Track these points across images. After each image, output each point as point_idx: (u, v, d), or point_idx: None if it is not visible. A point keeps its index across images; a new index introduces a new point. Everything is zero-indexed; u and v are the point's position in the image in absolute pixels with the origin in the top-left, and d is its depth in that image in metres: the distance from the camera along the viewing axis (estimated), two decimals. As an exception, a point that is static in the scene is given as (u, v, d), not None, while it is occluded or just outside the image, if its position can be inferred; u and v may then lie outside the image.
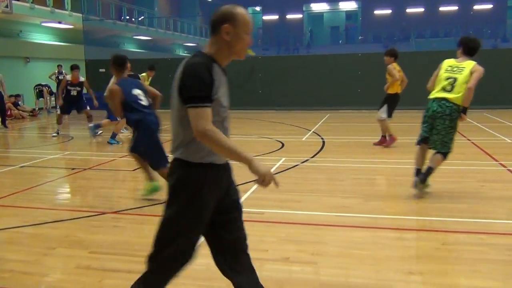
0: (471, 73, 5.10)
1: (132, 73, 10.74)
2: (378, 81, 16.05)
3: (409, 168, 6.98)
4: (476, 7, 36.37)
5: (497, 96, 14.76)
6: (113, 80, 9.47)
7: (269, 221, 4.57)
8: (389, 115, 8.74)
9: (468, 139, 9.32)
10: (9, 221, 4.81)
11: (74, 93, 11.03)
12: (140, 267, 3.56)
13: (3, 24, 18.10)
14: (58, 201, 5.74)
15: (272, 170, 6.76)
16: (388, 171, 6.90)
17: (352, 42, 38.19)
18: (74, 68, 11.08)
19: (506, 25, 35.66)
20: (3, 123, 13.48)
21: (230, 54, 2.32)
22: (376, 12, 39.48)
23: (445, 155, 5.25)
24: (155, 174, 5.42)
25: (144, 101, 5.34)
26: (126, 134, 10.71)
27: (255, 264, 2.58)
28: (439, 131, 5.19)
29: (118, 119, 9.66)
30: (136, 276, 3.38)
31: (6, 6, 15.74)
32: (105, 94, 9.60)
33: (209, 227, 2.43)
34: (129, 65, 9.76)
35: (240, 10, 2.28)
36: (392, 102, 8.71)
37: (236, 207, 2.49)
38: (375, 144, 9.01)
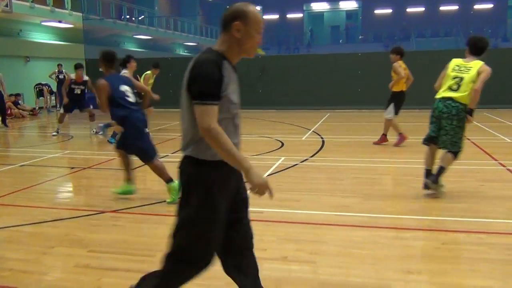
0: (478, 73, 5.06)
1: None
2: (378, 81, 16.06)
3: (409, 168, 7.01)
4: (476, 6, 36.37)
5: (497, 96, 14.74)
6: (125, 73, 9.51)
7: (268, 220, 4.57)
8: (396, 112, 8.70)
9: (468, 139, 9.30)
10: (9, 219, 4.82)
11: (78, 91, 11.04)
12: (139, 266, 3.59)
13: (3, 23, 18.10)
14: (57, 200, 5.74)
15: (271, 169, 6.78)
16: (388, 170, 6.89)
17: (352, 42, 38.19)
18: (78, 67, 11.08)
19: (507, 25, 35.65)
20: (3, 122, 13.49)
21: (240, 52, 2.32)
22: (377, 11, 39.48)
23: (455, 154, 5.22)
24: (157, 175, 5.41)
25: (131, 98, 5.35)
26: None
27: (254, 263, 2.58)
28: (448, 131, 5.17)
29: None
30: (135, 275, 3.39)
31: (6, 5, 15.73)
32: None
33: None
34: (134, 63, 9.83)
35: (252, 8, 2.28)
36: (398, 100, 8.69)
37: (245, 205, 2.49)
38: (375, 143, 9.00)
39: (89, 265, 3.62)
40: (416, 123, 10.34)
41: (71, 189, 6.50)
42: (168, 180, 5.29)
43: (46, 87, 18.77)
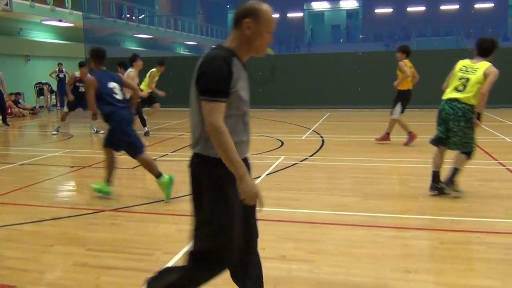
0: (485, 75, 5.02)
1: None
2: (378, 80, 16.07)
3: (409, 167, 7.01)
4: (477, 5, 36.34)
5: (498, 95, 14.71)
6: (128, 72, 9.52)
7: (267, 219, 4.57)
8: (402, 111, 8.69)
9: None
10: (8, 218, 4.83)
11: (82, 89, 11.03)
12: (137, 264, 3.59)
13: (3, 22, 18.10)
14: (57, 199, 5.75)
15: (271, 168, 6.78)
16: (387, 169, 6.89)
17: (353, 41, 38.19)
18: (82, 65, 11.08)
19: (507, 24, 35.62)
20: (4, 121, 13.51)
21: (249, 49, 2.31)
22: (377, 10, 39.47)
23: (468, 154, 5.20)
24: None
25: (119, 95, 5.38)
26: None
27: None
28: (456, 132, 5.15)
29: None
30: (134, 274, 3.41)
31: (6, 4, 15.73)
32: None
33: None
34: (140, 62, 9.81)
35: (264, 7, 2.27)
36: (405, 99, 8.67)
37: (253, 205, 2.44)
38: (378, 139, 8.98)
39: (88, 264, 3.62)
40: (416, 122, 10.33)
41: (70, 188, 6.51)
42: (158, 175, 5.31)
43: (47, 86, 18.78)
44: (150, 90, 11.12)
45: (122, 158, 8.05)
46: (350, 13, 42.63)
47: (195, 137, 2.31)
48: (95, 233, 4.38)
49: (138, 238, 4.21)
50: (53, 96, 19.42)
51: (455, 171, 5.21)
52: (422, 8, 38.23)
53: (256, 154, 7.96)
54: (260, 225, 4.33)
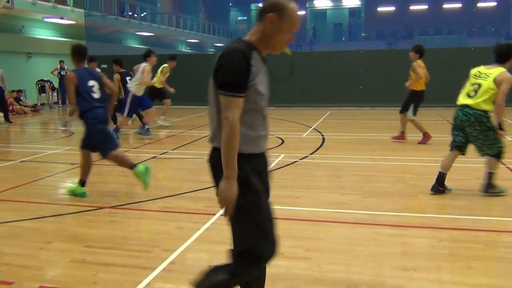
0: (497, 82, 4.93)
1: (124, 70, 10.76)
2: (380, 78, 16.07)
3: (409, 165, 7.00)
4: (480, 4, 36.21)
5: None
6: (142, 67, 9.54)
7: (266, 217, 4.57)
8: (415, 112, 8.64)
9: (469, 137, 9.31)
10: (7, 215, 4.83)
11: None
12: (135, 261, 3.59)
13: (5, 19, 18.12)
14: (56, 196, 5.75)
15: (271, 166, 6.79)
16: (387, 168, 6.88)
17: (355, 39, 38.13)
18: (92, 59, 11.07)
19: (510, 23, 35.49)
20: (6, 118, 13.53)
21: (268, 45, 2.28)
22: (380, 9, 39.38)
23: (497, 156, 5.16)
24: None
25: (96, 94, 5.40)
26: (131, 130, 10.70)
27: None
28: (476, 137, 5.13)
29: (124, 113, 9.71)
30: (131, 270, 3.42)
31: (7, 1, 15.75)
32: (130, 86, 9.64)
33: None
34: (154, 58, 9.84)
35: (291, 5, 2.24)
36: (418, 100, 8.62)
37: (268, 195, 2.45)
38: (395, 138, 8.94)
39: (86, 260, 3.63)
40: (419, 120, 10.29)
41: (70, 185, 6.50)
42: (132, 166, 5.36)
43: (48, 83, 18.81)
44: (161, 86, 11.16)
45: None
46: (353, 11, 42.54)
47: (213, 131, 2.28)
48: (94, 230, 4.38)
49: (136, 235, 4.21)
50: (55, 94, 19.45)
51: (490, 175, 5.20)
52: (425, 7, 38.12)
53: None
54: (259, 223, 4.33)
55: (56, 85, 18.75)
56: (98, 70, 11.06)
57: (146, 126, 10.11)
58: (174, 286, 3.23)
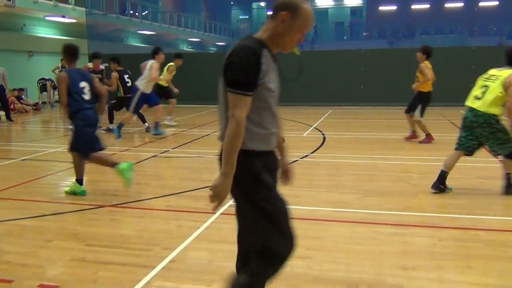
0: (505, 85, 4.88)
1: (122, 68, 10.73)
2: (381, 78, 16.05)
3: (409, 165, 7.00)
4: (481, 3, 36.16)
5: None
6: (150, 64, 9.53)
7: (266, 216, 4.57)
8: (422, 113, 8.60)
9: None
10: (8, 213, 4.84)
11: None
12: (135, 260, 3.60)
13: (7, 17, 18.14)
14: (57, 194, 5.76)
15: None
16: (388, 167, 6.88)
17: (356, 38, 38.09)
18: (96, 56, 11.08)
19: (512, 22, 35.45)
20: (8, 116, 13.55)
21: (278, 43, 2.27)
22: (381, 8, 39.33)
23: (510, 156, 5.13)
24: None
25: (87, 95, 5.41)
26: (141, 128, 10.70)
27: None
28: (487, 137, 5.11)
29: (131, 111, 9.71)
30: (131, 269, 3.43)
31: (9, 0, 15.76)
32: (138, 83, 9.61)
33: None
34: (162, 55, 9.83)
35: (306, 6, 2.22)
36: (425, 101, 8.58)
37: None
38: (408, 139, 8.90)
39: (86, 259, 3.63)
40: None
41: (71, 183, 6.51)
42: (113, 164, 5.37)
43: (50, 82, 18.80)
44: (166, 85, 11.15)
45: (123, 154, 8.09)
46: (354, 10, 42.52)
47: (223, 129, 2.27)
48: (94, 228, 4.39)
49: (136, 233, 4.22)
50: (56, 92, 19.44)
51: (508, 176, 5.21)
52: (426, 6, 38.08)
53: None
54: (259, 222, 4.34)
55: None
56: (102, 67, 11.09)
57: (159, 123, 10.10)
58: (173, 284, 3.23)
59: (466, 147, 5.26)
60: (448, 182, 5.37)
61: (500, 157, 5.23)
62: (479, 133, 5.11)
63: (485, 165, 6.63)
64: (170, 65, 11.16)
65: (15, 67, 17.37)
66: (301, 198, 5.28)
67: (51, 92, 19.01)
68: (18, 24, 19.31)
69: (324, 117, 13.42)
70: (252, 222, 2.30)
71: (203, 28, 37.89)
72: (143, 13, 30.02)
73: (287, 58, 2.58)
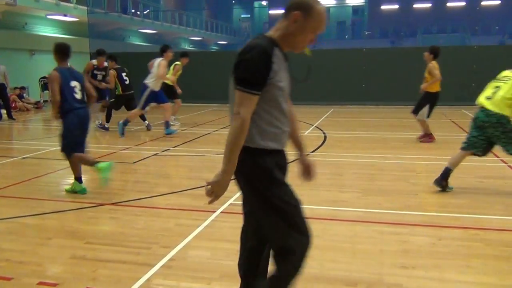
0: None
1: (119, 66, 10.69)
2: (383, 77, 16.03)
3: (409, 164, 6.99)
4: (483, 2, 36.10)
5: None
6: (158, 61, 9.51)
7: (265, 214, 4.57)
8: (429, 114, 8.54)
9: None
10: (8, 211, 4.85)
11: (100, 77, 11.03)
12: (134, 258, 3.61)
13: (8, 16, 18.16)
14: (57, 193, 5.76)
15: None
16: (388, 166, 6.87)
17: (358, 37, 38.07)
18: (100, 53, 11.07)
19: (514, 21, 35.38)
20: (9, 115, 13.57)
21: (289, 43, 2.25)
22: (383, 7, 39.31)
23: None
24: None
25: (78, 95, 5.41)
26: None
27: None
28: (499, 137, 5.07)
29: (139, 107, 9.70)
30: (131, 267, 3.43)
31: (10, -2, 15.79)
32: (148, 81, 9.60)
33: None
34: (171, 53, 9.78)
35: (319, 7, 2.21)
36: (433, 102, 8.51)
37: None
38: (422, 141, 8.79)
39: (85, 257, 3.64)
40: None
41: (71, 181, 6.52)
42: (93, 163, 5.39)
43: (51, 80, 18.83)
44: (172, 84, 11.10)
45: (124, 152, 8.10)
46: (356, 9, 42.49)
47: None
48: (94, 226, 4.40)
49: (136, 231, 4.22)
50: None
51: None
52: (428, 5, 38.05)
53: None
54: (258, 220, 4.33)
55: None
56: (106, 64, 11.06)
57: (169, 122, 10.00)
58: (173, 282, 3.23)
59: (476, 147, 5.21)
60: (449, 181, 5.36)
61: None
62: (491, 133, 5.07)
63: (485, 164, 6.62)
64: (176, 64, 11.09)
65: (16, 66, 17.39)
66: (302, 197, 5.17)
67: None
68: (20, 23, 19.33)
69: (325, 116, 13.41)
70: (268, 220, 2.29)
71: (204, 27, 37.88)
72: (145, 12, 30.04)
73: (296, 58, 2.56)
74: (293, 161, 2.64)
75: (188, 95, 15.88)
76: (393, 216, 4.60)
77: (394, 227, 4.27)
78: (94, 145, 9.34)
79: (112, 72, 10.43)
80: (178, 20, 33.73)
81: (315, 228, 4.24)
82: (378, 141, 8.94)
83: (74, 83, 5.38)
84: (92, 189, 5.62)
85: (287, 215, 2.26)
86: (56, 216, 4.71)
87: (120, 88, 10.43)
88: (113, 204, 5.05)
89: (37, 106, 17.19)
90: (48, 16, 20.24)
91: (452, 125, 10.77)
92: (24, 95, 17.09)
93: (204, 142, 9.10)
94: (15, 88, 16.21)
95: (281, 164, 2.33)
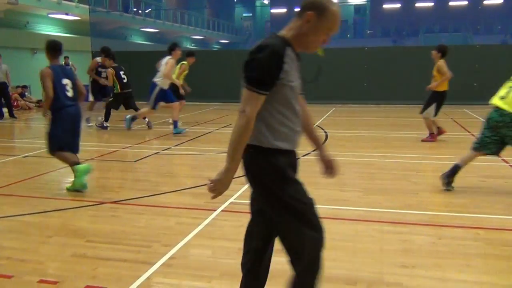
0: None
1: (116, 64, 10.65)
2: (384, 76, 16.02)
3: (411, 163, 6.99)
4: (486, 2, 36.07)
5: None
6: (166, 59, 9.49)
7: (266, 213, 4.57)
8: (436, 113, 8.50)
9: (472, 135, 9.27)
10: (9, 209, 4.86)
11: (104, 74, 11.04)
12: (135, 256, 3.61)
13: (10, 15, 18.19)
14: (58, 191, 5.77)
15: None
16: (390, 165, 6.87)
17: (360, 36, 38.08)
18: (104, 51, 11.07)
19: (517, 21, 35.30)
20: (11, 113, 13.59)
21: (302, 43, 2.24)
22: (385, 6, 39.30)
23: None
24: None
25: (69, 93, 5.42)
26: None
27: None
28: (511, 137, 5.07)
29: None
30: (131, 265, 3.44)
31: (12, -3, 15.82)
32: (157, 79, 9.59)
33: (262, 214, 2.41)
34: (179, 52, 9.73)
35: (334, 8, 2.18)
36: (441, 100, 8.47)
37: None
38: (431, 139, 8.81)
39: (86, 255, 3.65)
40: (422, 119, 10.26)
41: (72, 180, 6.54)
42: (74, 163, 5.39)
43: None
44: (181, 83, 11.07)
45: (126, 151, 8.11)
46: (358, 8, 42.46)
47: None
48: (94, 224, 4.41)
49: (137, 230, 4.23)
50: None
51: None
52: (431, 4, 38.00)
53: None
54: (259, 219, 4.33)
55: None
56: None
57: (177, 122, 9.92)
58: (173, 281, 3.24)
59: (489, 148, 5.18)
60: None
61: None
62: (504, 133, 5.04)
63: (487, 164, 6.61)
64: (182, 64, 11.04)
65: (18, 64, 17.42)
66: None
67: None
68: (22, 22, 19.37)
69: (326, 115, 13.41)
70: (282, 220, 2.28)
71: (206, 26, 37.90)
72: (147, 11, 30.05)
73: (306, 58, 2.55)
74: (303, 156, 2.63)
75: (189, 94, 15.90)
76: (393, 215, 4.60)
77: (395, 226, 4.27)
78: (95, 143, 9.37)
79: (110, 71, 10.42)
80: (180, 18, 33.76)
81: (315, 227, 4.27)
82: (379, 140, 8.93)
83: (65, 81, 5.38)
84: (94, 187, 5.63)
85: (300, 214, 2.25)
86: (57, 214, 4.72)
87: (118, 87, 10.43)
88: (114, 202, 5.06)
89: (39, 104, 17.19)
90: (50, 15, 20.27)
91: (454, 125, 10.76)
92: (26, 93, 17.12)
93: (206, 141, 9.11)
94: (17, 86, 16.24)
95: (293, 164, 2.33)
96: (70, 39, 21.38)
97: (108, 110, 10.79)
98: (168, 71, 9.44)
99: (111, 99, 10.74)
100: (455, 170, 5.28)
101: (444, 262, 3.48)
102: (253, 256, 2.53)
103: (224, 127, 10.96)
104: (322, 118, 12.51)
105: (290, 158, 2.30)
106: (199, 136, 9.69)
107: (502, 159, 6.86)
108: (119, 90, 10.45)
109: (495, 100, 5.13)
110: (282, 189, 2.22)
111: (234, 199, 4.81)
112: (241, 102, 2.14)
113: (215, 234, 4.10)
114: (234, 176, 2.23)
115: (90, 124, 11.02)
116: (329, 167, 2.69)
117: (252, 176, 2.28)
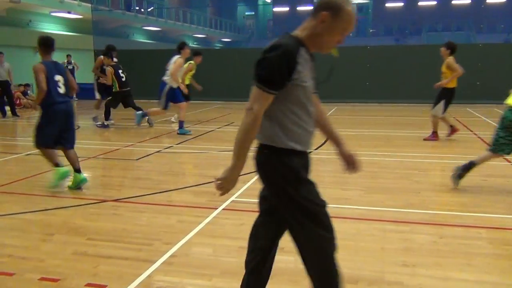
0: None
1: (115, 63, 10.62)
2: (387, 74, 15.99)
3: (413, 162, 6.97)
4: (489, 0, 35.95)
5: (507, 91, 14.60)
6: (175, 58, 9.46)
7: (267, 212, 4.57)
8: (445, 109, 8.45)
9: (475, 134, 9.27)
10: (10, 207, 4.87)
11: None
12: (136, 254, 3.62)
13: (13, 13, 18.22)
14: (60, 189, 5.78)
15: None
16: (392, 164, 6.86)
17: (362, 35, 38.00)
18: (110, 49, 11.07)
19: (520, 19, 35.20)
20: (13, 111, 13.61)
21: (316, 43, 2.22)
22: (388, 5, 39.21)
23: None
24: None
25: (61, 89, 5.41)
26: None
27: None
28: None
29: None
30: (132, 263, 3.45)
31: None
32: (166, 78, 9.57)
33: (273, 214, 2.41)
34: (188, 50, 9.71)
35: (349, 8, 2.17)
36: (450, 97, 8.42)
37: None
38: (448, 135, 8.76)
39: (87, 253, 3.65)
40: (426, 117, 10.26)
41: (72, 178, 6.54)
42: (56, 164, 5.41)
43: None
44: (188, 82, 11.00)
45: (127, 149, 8.11)
46: (361, 7, 42.34)
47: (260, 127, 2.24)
48: (96, 222, 4.41)
49: (138, 228, 4.23)
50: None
51: None
52: (433, 3, 37.91)
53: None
54: (260, 217, 4.33)
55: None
56: (115, 60, 11.05)
57: (183, 122, 9.88)
58: (174, 279, 3.24)
59: (503, 149, 5.12)
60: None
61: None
62: None
63: (489, 163, 6.58)
64: (189, 63, 11.00)
65: (21, 63, 17.44)
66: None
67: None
68: (24, 20, 19.40)
69: (329, 113, 13.39)
70: (292, 220, 2.27)
71: (208, 24, 37.91)
72: (149, 9, 30.06)
73: (318, 58, 2.54)
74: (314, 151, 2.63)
75: (191, 93, 15.92)
76: (395, 214, 4.60)
77: (396, 225, 4.27)
78: (98, 141, 9.38)
79: (109, 69, 10.41)
80: (182, 17, 33.77)
81: (316, 225, 4.27)
82: (381, 139, 8.92)
83: (58, 77, 5.38)
84: (95, 185, 5.64)
85: (312, 214, 2.24)
86: (58, 212, 4.73)
87: (117, 85, 10.43)
88: (115, 200, 5.06)
89: (32, 99, 17.24)
90: (52, 14, 20.31)
91: (456, 124, 10.72)
92: (28, 92, 17.13)
93: (208, 139, 9.11)
94: (19, 85, 16.27)
95: (306, 165, 2.33)
96: (72, 38, 21.42)
97: (107, 109, 10.81)
98: (175, 70, 9.39)
99: (110, 97, 10.74)
100: (469, 166, 5.25)
101: (446, 261, 3.47)
102: (258, 255, 2.52)
103: (226, 125, 10.96)
104: (324, 117, 12.48)
105: (303, 159, 2.29)
106: (201, 135, 9.69)
107: (504, 158, 6.84)
108: (118, 89, 10.45)
109: (510, 100, 5.11)
110: (295, 190, 2.21)
111: (236, 198, 4.81)
112: (249, 100, 2.13)
113: (216, 232, 4.10)
114: (242, 174, 2.23)
115: (98, 123, 11.01)
116: (350, 163, 2.68)
117: (265, 176, 2.27)
